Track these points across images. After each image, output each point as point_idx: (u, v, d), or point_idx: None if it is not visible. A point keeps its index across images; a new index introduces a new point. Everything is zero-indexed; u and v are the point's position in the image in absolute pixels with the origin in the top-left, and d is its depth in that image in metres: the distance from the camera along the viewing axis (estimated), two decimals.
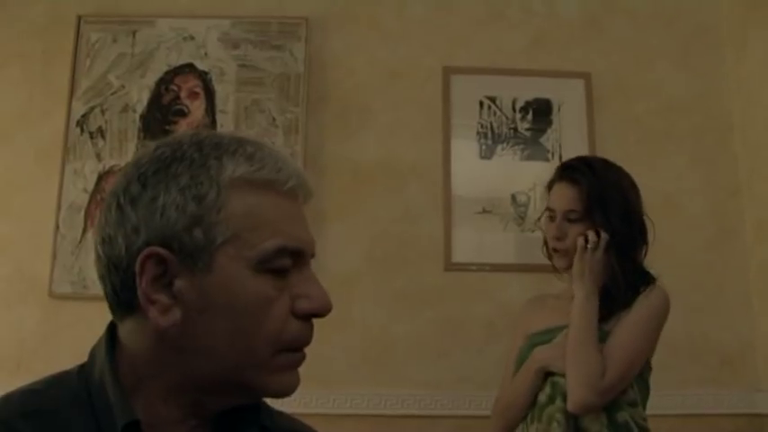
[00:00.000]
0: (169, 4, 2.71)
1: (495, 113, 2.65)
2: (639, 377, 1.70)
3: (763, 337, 2.49)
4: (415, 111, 2.66)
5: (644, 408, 1.71)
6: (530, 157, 2.62)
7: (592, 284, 1.71)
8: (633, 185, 1.80)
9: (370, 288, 2.51)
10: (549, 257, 1.86)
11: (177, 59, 2.65)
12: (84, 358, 0.83)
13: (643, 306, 1.70)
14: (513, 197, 2.58)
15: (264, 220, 0.78)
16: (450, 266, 2.53)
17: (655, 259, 1.79)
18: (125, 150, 2.56)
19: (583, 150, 2.50)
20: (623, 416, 1.65)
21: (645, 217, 1.79)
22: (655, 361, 1.76)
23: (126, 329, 0.80)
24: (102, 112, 2.61)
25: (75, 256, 2.48)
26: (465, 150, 2.62)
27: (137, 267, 0.75)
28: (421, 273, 2.53)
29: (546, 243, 1.86)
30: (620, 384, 1.64)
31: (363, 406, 2.39)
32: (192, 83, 2.63)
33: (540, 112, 2.66)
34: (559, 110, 2.66)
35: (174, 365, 0.77)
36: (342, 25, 2.73)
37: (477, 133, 2.64)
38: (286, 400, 0.81)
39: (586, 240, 1.72)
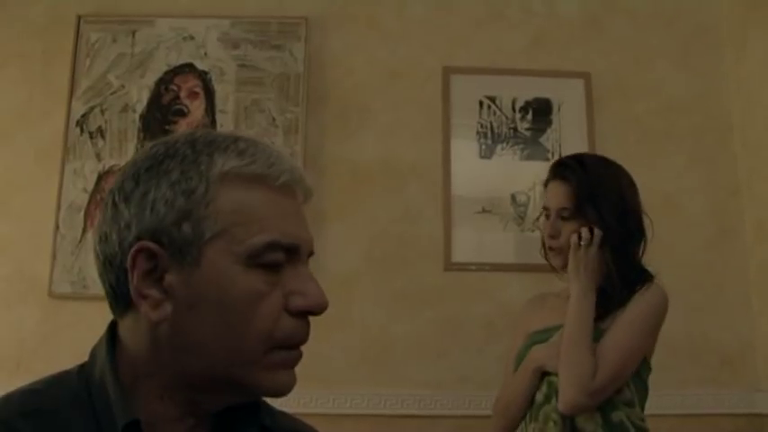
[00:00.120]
0: (169, 4, 2.71)
1: (494, 113, 2.65)
2: (637, 377, 1.69)
3: (763, 337, 2.49)
4: (415, 110, 2.66)
5: (642, 408, 1.70)
6: (529, 157, 2.62)
7: (587, 281, 1.70)
8: (630, 182, 1.79)
9: (369, 288, 2.51)
10: (546, 257, 1.86)
11: (177, 59, 2.65)
12: (84, 358, 0.83)
13: (639, 304, 1.69)
14: (513, 197, 2.58)
15: (255, 215, 0.77)
16: (450, 266, 2.53)
17: (654, 259, 1.79)
18: (125, 150, 2.56)
19: (583, 150, 2.50)
20: (618, 415, 1.64)
21: (644, 215, 1.78)
22: (654, 361, 1.75)
23: (124, 327, 0.81)
24: (102, 111, 2.61)
25: (74, 255, 2.48)
26: (465, 150, 2.62)
27: (128, 262, 0.76)
28: (421, 272, 2.53)
29: (543, 242, 1.86)
30: (611, 385, 1.63)
31: (363, 406, 2.39)
32: (192, 83, 2.63)
33: (540, 111, 2.66)
34: (559, 110, 2.66)
35: (168, 363, 0.77)
36: (341, 25, 2.73)
37: (477, 133, 2.64)
38: (285, 399, 0.80)
39: (580, 237, 1.72)
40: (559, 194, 1.78)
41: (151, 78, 2.63)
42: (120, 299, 0.79)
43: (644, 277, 1.74)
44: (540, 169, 2.55)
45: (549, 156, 2.60)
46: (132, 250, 0.75)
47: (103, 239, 0.79)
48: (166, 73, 2.64)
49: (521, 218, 2.57)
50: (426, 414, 2.40)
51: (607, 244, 1.71)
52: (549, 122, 2.65)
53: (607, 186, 1.74)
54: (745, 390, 2.47)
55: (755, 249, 2.56)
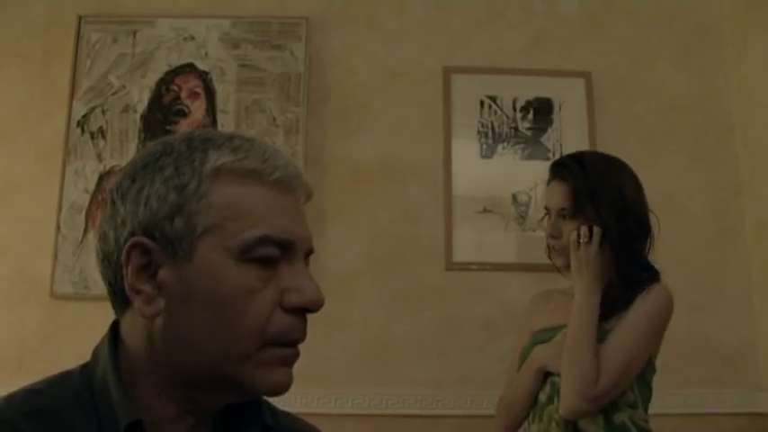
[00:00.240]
0: (169, 5, 2.71)
1: (495, 113, 2.65)
2: (641, 378, 1.67)
3: (765, 337, 2.49)
4: (416, 110, 2.66)
5: (645, 409, 1.68)
6: (530, 157, 2.62)
7: (591, 280, 1.68)
8: (632, 180, 1.77)
9: (370, 288, 2.51)
10: (550, 257, 1.85)
11: (178, 59, 2.65)
12: (85, 358, 0.83)
13: (643, 305, 1.67)
14: (514, 196, 2.58)
15: (248, 209, 0.77)
16: (451, 266, 2.53)
17: (655, 259, 1.78)
18: (126, 151, 2.56)
19: (583, 149, 2.50)
20: (621, 417, 1.62)
21: (650, 212, 1.76)
22: (656, 361, 1.74)
23: (125, 326, 0.81)
24: (103, 112, 2.61)
25: (76, 256, 2.48)
26: (465, 150, 2.62)
27: (123, 257, 0.76)
28: (422, 272, 2.53)
29: (548, 243, 1.85)
30: (614, 390, 1.61)
31: (365, 406, 2.39)
32: (193, 83, 2.63)
33: (541, 111, 2.66)
34: (560, 109, 2.66)
35: (164, 360, 0.77)
36: (342, 25, 2.73)
37: (478, 133, 2.64)
38: (287, 399, 0.80)
39: (579, 236, 1.71)
40: (558, 194, 1.77)
41: (152, 78, 2.63)
42: (118, 296, 0.79)
43: (650, 275, 1.73)
44: (541, 169, 2.54)
45: (550, 155, 2.60)
46: (126, 245, 0.76)
47: (103, 238, 0.80)
48: (167, 73, 2.64)
49: (522, 217, 2.57)
50: (428, 414, 2.40)
51: (607, 242, 1.69)
52: (550, 122, 2.65)
53: (606, 184, 1.72)
54: (747, 389, 2.47)
55: (756, 249, 2.56)
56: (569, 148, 2.52)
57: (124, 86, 2.63)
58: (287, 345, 0.78)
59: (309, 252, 0.83)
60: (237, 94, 2.62)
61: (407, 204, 2.58)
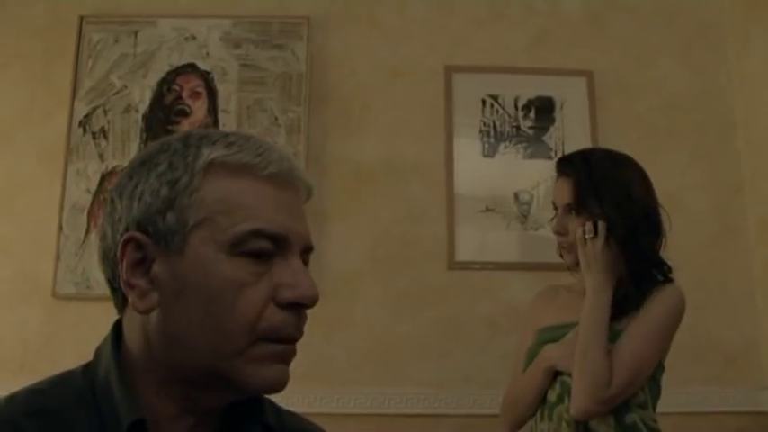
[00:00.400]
0: (170, 5, 2.71)
1: (497, 112, 2.65)
2: (652, 379, 1.66)
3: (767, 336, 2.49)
4: (418, 110, 2.66)
5: (654, 408, 1.67)
6: (532, 156, 2.62)
7: (601, 276, 1.66)
8: (639, 175, 1.75)
9: (372, 288, 2.51)
10: (561, 255, 1.82)
11: (179, 59, 2.65)
12: (87, 359, 0.83)
13: (656, 307, 1.65)
14: (516, 195, 2.58)
15: (240, 203, 0.77)
16: (454, 265, 2.52)
17: None
18: (128, 151, 2.56)
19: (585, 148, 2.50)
20: (632, 417, 1.61)
21: (660, 208, 1.75)
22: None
23: (125, 324, 0.81)
24: (105, 112, 2.61)
25: (78, 256, 2.49)
26: (467, 149, 2.62)
27: (118, 253, 0.77)
28: (424, 272, 2.52)
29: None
30: (626, 392, 1.60)
31: (367, 405, 2.39)
32: (194, 83, 2.63)
33: (543, 110, 2.66)
34: (562, 108, 2.66)
35: (160, 356, 0.77)
36: (343, 25, 2.73)
37: (480, 132, 2.64)
38: (288, 399, 0.80)
39: (585, 231, 1.69)
40: (563, 191, 1.77)
41: (153, 79, 2.63)
42: (118, 294, 0.80)
43: (661, 272, 1.72)
44: (544, 168, 2.56)
45: (552, 154, 2.60)
46: (121, 241, 0.77)
47: (102, 236, 0.81)
48: (169, 73, 2.64)
49: (524, 216, 2.56)
50: (430, 413, 2.40)
51: (613, 237, 1.68)
52: (552, 121, 2.65)
53: (611, 180, 1.71)
54: (750, 388, 2.47)
55: (759, 247, 2.55)
56: (571, 147, 2.51)
57: (126, 86, 2.63)
58: (280, 341, 0.77)
59: (308, 249, 0.83)
60: (239, 94, 2.62)
61: (409, 204, 2.58)
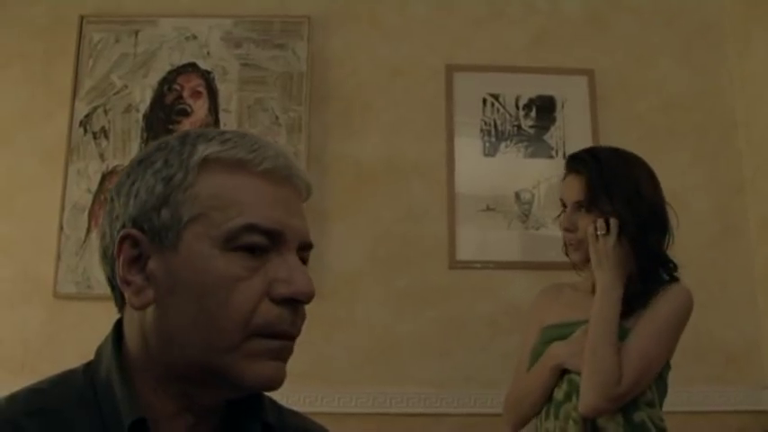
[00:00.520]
0: (171, 4, 2.71)
1: (498, 111, 2.65)
2: (659, 377, 1.66)
3: None
4: (418, 109, 2.65)
5: (661, 406, 1.67)
6: (533, 155, 2.62)
7: (612, 274, 1.66)
8: (648, 174, 1.75)
9: (373, 287, 2.51)
10: (567, 254, 1.82)
11: (180, 59, 2.65)
12: (88, 358, 0.83)
13: (664, 306, 1.66)
14: (517, 195, 2.58)
15: (234, 199, 0.77)
16: (455, 264, 2.52)
17: None
18: (128, 150, 2.56)
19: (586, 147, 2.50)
20: (640, 416, 1.61)
21: (668, 206, 1.75)
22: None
23: (125, 323, 0.82)
24: (106, 112, 2.61)
25: (79, 256, 2.49)
26: (468, 148, 2.61)
27: (114, 250, 0.77)
28: (425, 271, 2.52)
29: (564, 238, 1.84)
30: (634, 390, 1.60)
31: (368, 405, 2.39)
32: (195, 82, 2.63)
33: (544, 109, 2.65)
34: (563, 107, 2.65)
35: (156, 353, 0.77)
36: (344, 24, 2.73)
37: (481, 131, 2.63)
38: (290, 398, 0.80)
39: (596, 228, 1.69)
40: (574, 187, 1.76)
41: (154, 78, 2.63)
42: (117, 292, 0.80)
43: (668, 270, 1.72)
44: (545, 167, 2.56)
45: (553, 153, 2.60)
46: (117, 238, 0.77)
47: (102, 235, 0.81)
48: (169, 73, 2.64)
49: (525, 215, 2.56)
50: (431, 412, 2.40)
51: (624, 234, 1.68)
52: (553, 120, 2.65)
53: (621, 178, 1.71)
54: (751, 387, 2.47)
55: (760, 247, 2.55)
56: (572, 146, 2.51)
57: (126, 86, 2.63)
58: (275, 337, 0.77)
59: (306, 246, 0.82)
60: (240, 94, 2.62)
61: (410, 203, 2.58)
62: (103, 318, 0.89)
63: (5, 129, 2.62)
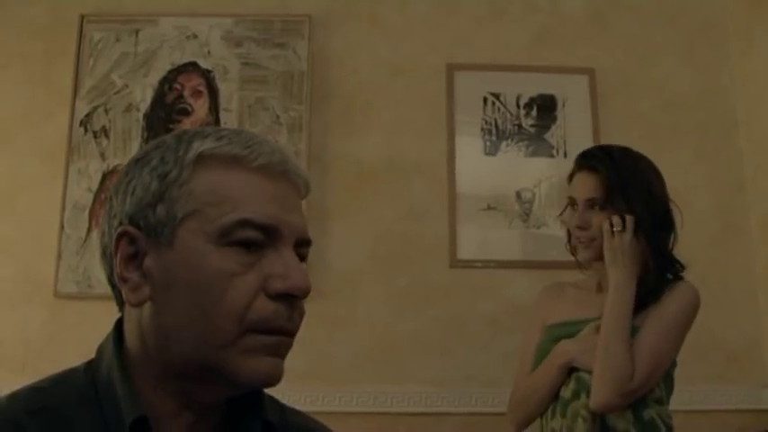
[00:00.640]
0: (171, 3, 2.71)
1: (499, 110, 2.65)
2: (667, 375, 1.67)
3: None
4: (419, 108, 2.65)
5: (668, 403, 1.68)
6: (534, 154, 2.62)
7: (626, 271, 1.66)
8: (657, 173, 1.76)
9: (374, 286, 2.51)
10: (573, 252, 1.82)
11: (180, 58, 2.65)
12: (89, 358, 0.83)
13: (673, 304, 1.66)
14: (518, 194, 2.58)
15: (229, 195, 0.77)
16: (456, 263, 2.52)
17: None
18: (129, 150, 2.56)
19: (587, 146, 2.47)
20: (650, 413, 1.62)
21: (672, 204, 1.76)
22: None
23: (124, 321, 0.82)
24: (106, 111, 2.61)
25: (80, 255, 2.49)
26: (469, 147, 2.61)
27: (112, 248, 0.78)
28: (426, 270, 2.52)
29: (569, 237, 1.83)
30: (646, 386, 1.61)
31: (369, 404, 2.39)
32: (196, 81, 2.63)
33: (545, 108, 2.65)
34: (564, 106, 2.65)
35: (154, 351, 0.77)
36: (345, 23, 2.72)
37: (482, 130, 2.63)
38: (291, 397, 0.80)
39: (612, 225, 1.69)
40: (588, 185, 1.75)
41: (155, 77, 2.63)
42: (117, 290, 0.80)
43: (674, 269, 1.73)
44: (545, 166, 2.56)
45: (554, 152, 2.60)
46: (115, 235, 0.78)
47: (101, 234, 0.82)
48: (170, 72, 2.64)
49: (526, 214, 2.56)
50: (432, 411, 2.40)
51: (641, 231, 1.68)
52: (554, 119, 2.64)
53: (635, 176, 1.72)
54: (752, 386, 2.46)
55: (761, 246, 2.55)
56: (573, 145, 2.52)
57: (127, 85, 2.63)
58: (271, 332, 0.76)
59: (304, 242, 0.82)
60: (240, 93, 2.62)
61: (411, 202, 2.57)
62: (104, 317, 0.89)
63: (6, 128, 2.62)
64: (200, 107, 2.61)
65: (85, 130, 2.59)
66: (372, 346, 2.46)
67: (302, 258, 0.81)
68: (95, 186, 2.54)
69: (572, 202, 1.80)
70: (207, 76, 2.63)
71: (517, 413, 1.78)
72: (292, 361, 0.80)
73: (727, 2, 2.78)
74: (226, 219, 0.75)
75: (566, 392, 1.68)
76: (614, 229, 1.68)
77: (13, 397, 0.77)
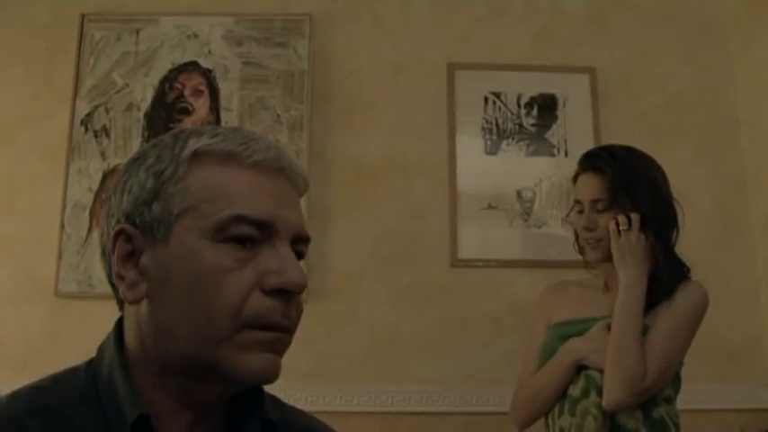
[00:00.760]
0: (172, 3, 2.71)
1: (499, 109, 2.64)
2: (675, 374, 1.68)
3: None
4: (420, 107, 2.65)
5: (675, 402, 1.69)
6: (535, 153, 2.62)
7: (635, 270, 1.66)
8: (659, 170, 1.77)
9: (375, 285, 2.51)
10: (581, 252, 1.82)
11: (181, 57, 2.65)
12: (90, 357, 0.83)
13: (682, 303, 1.67)
14: (519, 193, 2.58)
15: (224, 191, 0.77)
16: (456, 263, 2.52)
17: None
18: (129, 149, 2.56)
19: (588, 145, 2.48)
20: (659, 412, 1.63)
21: (675, 202, 1.76)
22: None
23: (124, 320, 0.82)
24: (107, 110, 2.61)
25: (80, 255, 2.49)
26: (470, 146, 2.61)
27: (109, 247, 0.78)
28: (427, 269, 2.52)
29: (577, 238, 1.83)
30: (657, 385, 1.61)
31: (370, 403, 2.39)
32: (197, 81, 2.63)
33: (545, 107, 2.65)
34: (564, 105, 2.65)
35: (152, 348, 0.77)
36: (345, 22, 2.72)
37: (483, 129, 2.63)
38: (291, 397, 0.80)
39: (618, 224, 1.69)
40: (593, 186, 1.75)
41: (155, 77, 2.63)
42: (116, 289, 0.80)
43: (681, 269, 1.73)
44: (546, 165, 2.56)
45: (555, 151, 2.60)
46: (112, 234, 0.78)
47: (101, 233, 0.83)
48: (171, 71, 2.64)
49: (527, 214, 2.56)
50: (433, 411, 2.40)
51: (648, 229, 1.68)
52: (555, 118, 2.64)
53: (640, 176, 1.72)
54: (753, 385, 2.46)
55: (762, 244, 2.55)
56: (574, 145, 2.52)
57: (127, 85, 2.63)
58: (267, 328, 0.76)
59: (302, 239, 0.82)
60: (241, 92, 2.62)
61: (412, 201, 2.57)
62: (105, 316, 0.89)
63: (7, 128, 2.62)
64: (201, 106, 2.61)
65: (86, 129, 2.59)
66: (373, 346, 2.46)
67: (301, 256, 0.81)
68: (96, 186, 2.54)
69: (578, 204, 1.80)
70: (208, 75, 2.63)
71: (521, 412, 1.77)
72: (293, 360, 0.79)
73: (727, 1, 2.78)
74: (220, 215, 0.75)
75: (574, 390, 1.67)
76: (620, 228, 1.68)
77: (14, 396, 0.77)
